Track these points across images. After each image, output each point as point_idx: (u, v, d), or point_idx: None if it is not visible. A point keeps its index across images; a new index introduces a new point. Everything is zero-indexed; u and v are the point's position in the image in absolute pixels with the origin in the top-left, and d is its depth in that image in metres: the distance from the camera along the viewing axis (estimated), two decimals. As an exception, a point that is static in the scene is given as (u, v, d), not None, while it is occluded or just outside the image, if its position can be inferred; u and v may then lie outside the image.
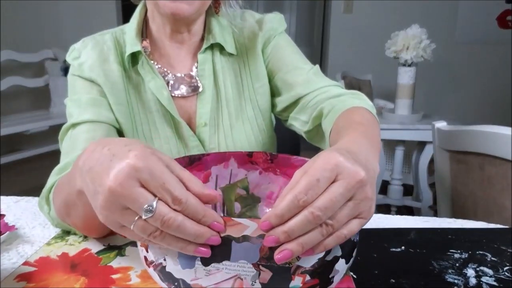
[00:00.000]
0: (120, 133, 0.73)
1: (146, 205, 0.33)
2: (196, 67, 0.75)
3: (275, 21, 0.79)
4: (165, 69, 0.74)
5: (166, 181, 0.33)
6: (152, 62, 0.73)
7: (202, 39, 0.76)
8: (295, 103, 0.75)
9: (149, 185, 0.33)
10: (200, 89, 0.74)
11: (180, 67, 0.75)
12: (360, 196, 0.34)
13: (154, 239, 0.34)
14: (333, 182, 0.34)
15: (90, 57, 0.72)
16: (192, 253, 0.34)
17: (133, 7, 0.77)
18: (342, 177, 0.34)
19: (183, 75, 0.74)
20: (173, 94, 0.73)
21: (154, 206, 0.33)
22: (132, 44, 0.71)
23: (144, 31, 0.75)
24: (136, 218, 0.34)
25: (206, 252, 0.34)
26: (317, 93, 0.72)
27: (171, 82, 0.73)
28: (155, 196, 0.33)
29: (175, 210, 0.34)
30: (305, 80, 0.74)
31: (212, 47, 0.75)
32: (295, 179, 0.35)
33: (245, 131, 0.76)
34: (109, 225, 0.35)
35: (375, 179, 0.38)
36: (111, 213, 0.34)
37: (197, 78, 0.74)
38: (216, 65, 0.75)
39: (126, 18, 0.79)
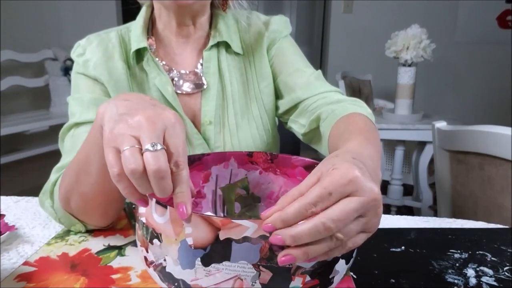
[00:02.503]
0: None
1: (154, 142, 0.35)
2: (201, 64, 0.75)
3: (281, 24, 0.79)
4: (170, 66, 0.74)
5: (183, 145, 0.38)
6: (157, 59, 0.73)
7: (208, 36, 0.76)
8: (295, 106, 0.75)
9: (170, 136, 0.37)
10: (205, 86, 0.74)
11: (184, 64, 0.75)
12: (373, 213, 0.35)
13: (129, 175, 0.35)
14: (347, 196, 0.33)
15: (95, 54, 0.72)
16: (134, 200, 0.38)
17: (133, 9, 0.77)
18: (359, 194, 0.33)
19: (187, 72, 0.74)
20: (177, 91, 0.73)
21: (159, 148, 0.35)
22: (138, 41, 0.71)
23: (150, 30, 0.75)
24: (136, 145, 0.36)
25: (145, 203, 0.38)
26: (317, 98, 0.72)
27: (176, 79, 0.74)
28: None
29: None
30: (306, 83, 0.74)
31: (218, 45, 0.76)
32: (306, 185, 0.35)
33: (250, 130, 0.76)
34: (107, 143, 0.38)
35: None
36: (120, 128, 0.37)
37: (201, 75, 0.74)
38: (222, 63, 0.75)
39: (126, 19, 0.79)
